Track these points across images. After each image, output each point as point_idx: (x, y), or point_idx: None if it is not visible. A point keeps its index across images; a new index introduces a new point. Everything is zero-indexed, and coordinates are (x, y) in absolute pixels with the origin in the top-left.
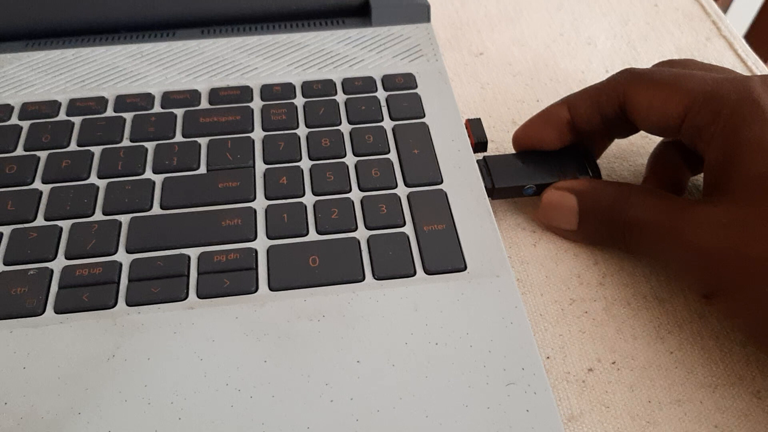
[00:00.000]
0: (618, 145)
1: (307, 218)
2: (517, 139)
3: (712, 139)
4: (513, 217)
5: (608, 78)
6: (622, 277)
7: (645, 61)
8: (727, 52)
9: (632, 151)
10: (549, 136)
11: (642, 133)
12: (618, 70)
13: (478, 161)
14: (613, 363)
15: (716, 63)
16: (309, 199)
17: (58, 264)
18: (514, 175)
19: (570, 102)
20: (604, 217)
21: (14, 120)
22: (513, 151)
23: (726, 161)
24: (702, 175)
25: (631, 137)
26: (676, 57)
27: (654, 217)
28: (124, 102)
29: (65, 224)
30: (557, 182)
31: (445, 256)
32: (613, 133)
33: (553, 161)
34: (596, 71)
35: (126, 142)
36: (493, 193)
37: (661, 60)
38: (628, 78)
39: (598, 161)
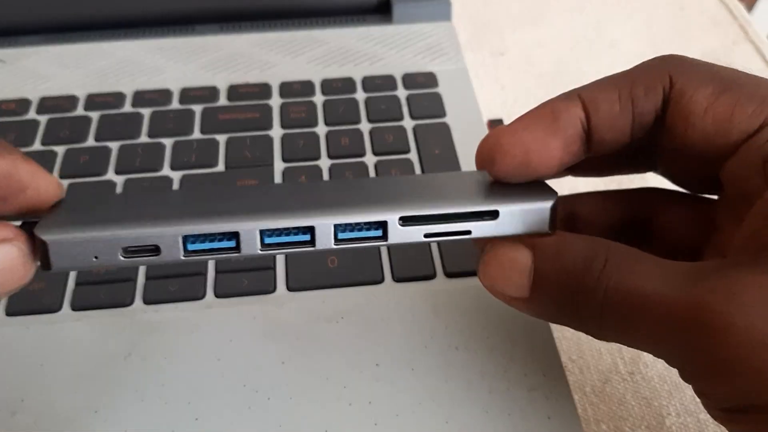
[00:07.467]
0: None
1: None
2: (497, 153)
3: None
4: None
5: (640, 64)
6: None
7: None
8: (755, 56)
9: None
10: (554, 151)
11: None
12: None
13: None
14: (631, 373)
15: (743, 68)
16: None
17: None
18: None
19: (586, 97)
20: (570, 285)
21: (32, 114)
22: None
23: None
24: None
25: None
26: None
27: (656, 289)
28: (142, 97)
29: None
30: None
31: (466, 259)
32: (632, 156)
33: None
34: None
35: (144, 138)
36: None
37: None
38: (680, 66)
39: None
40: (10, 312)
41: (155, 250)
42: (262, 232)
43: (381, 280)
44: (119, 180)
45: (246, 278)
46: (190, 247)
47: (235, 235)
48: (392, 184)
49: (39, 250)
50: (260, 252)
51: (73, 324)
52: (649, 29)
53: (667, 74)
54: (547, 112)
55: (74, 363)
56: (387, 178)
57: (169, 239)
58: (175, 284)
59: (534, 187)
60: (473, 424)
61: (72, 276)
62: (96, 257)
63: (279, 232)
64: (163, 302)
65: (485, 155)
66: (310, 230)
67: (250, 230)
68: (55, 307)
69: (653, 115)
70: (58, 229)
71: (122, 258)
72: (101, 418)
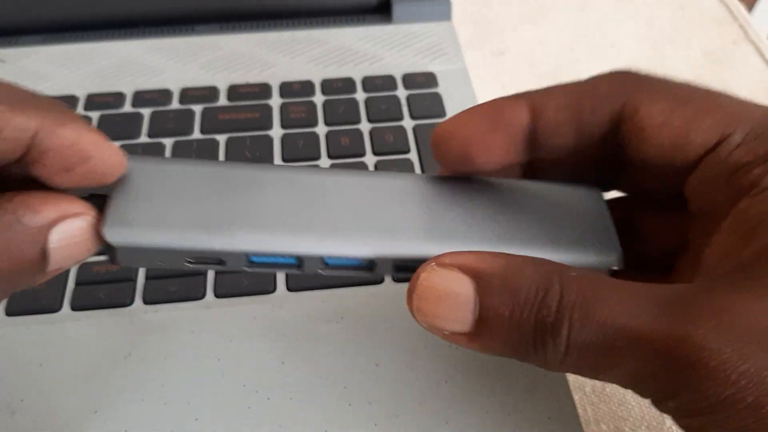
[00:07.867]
0: None
1: None
2: (441, 140)
3: (751, 187)
4: None
5: (594, 77)
6: None
7: (671, 65)
8: (755, 56)
9: None
10: (494, 146)
11: None
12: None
13: None
14: None
15: (744, 67)
16: None
17: None
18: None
19: (534, 100)
20: (524, 321)
21: None
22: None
23: None
24: None
25: None
26: (702, 61)
27: (630, 321)
28: (142, 97)
29: None
30: (443, 254)
31: None
32: (578, 167)
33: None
34: None
35: (144, 138)
36: None
37: (687, 64)
38: (634, 82)
39: None
40: (10, 312)
41: (220, 262)
42: (324, 258)
43: (381, 280)
44: None
45: (246, 278)
46: (254, 259)
47: (298, 257)
48: (432, 204)
49: (107, 248)
50: (320, 272)
51: (73, 324)
52: (649, 29)
53: (620, 89)
54: (491, 108)
55: (74, 363)
56: (423, 188)
57: (235, 255)
58: (175, 284)
59: (593, 222)
60: (473, 424)
61: (72, 276)
62: (161, 262)
63: (341, 258)
64: (163, 302)
65: (432, 143)
66: (371, 262)
67: (314, 256)
68: (55, 307)
69: (598, 128)
70: (126, 230)
71: (187, 265)
72: (101, 418)
